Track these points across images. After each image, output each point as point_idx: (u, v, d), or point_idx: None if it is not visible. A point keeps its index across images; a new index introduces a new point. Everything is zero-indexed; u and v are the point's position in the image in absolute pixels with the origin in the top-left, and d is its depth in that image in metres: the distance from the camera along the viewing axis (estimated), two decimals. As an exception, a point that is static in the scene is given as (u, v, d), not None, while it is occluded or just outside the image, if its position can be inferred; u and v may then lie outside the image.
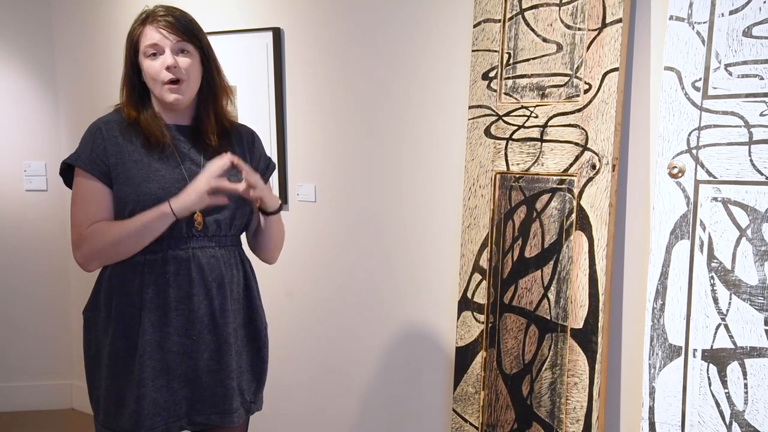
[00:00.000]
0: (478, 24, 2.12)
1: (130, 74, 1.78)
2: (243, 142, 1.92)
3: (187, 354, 1.77)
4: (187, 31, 1.75)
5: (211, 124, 1.83)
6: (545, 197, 2.00)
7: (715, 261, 1.69)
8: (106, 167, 1.72)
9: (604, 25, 1.88)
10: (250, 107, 2.77)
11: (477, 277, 2.13)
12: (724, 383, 1.68)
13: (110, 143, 1.73)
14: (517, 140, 2.05)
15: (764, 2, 1.62)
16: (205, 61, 1.80)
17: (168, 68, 1.72)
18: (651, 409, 1.77)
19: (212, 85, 1.83)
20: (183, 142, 1.81)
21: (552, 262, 1.99)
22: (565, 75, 1.96)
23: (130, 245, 1.72)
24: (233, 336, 1.84)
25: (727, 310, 1.67)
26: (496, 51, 2.09)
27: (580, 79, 1.93)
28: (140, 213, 1.71)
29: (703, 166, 1.71)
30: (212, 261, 1.80)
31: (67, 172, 1.81)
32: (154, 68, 1.73)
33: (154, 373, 1.74)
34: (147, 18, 1.75)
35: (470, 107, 2.14)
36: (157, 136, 1.76)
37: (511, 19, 2.07)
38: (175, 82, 1.73)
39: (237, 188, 1.72)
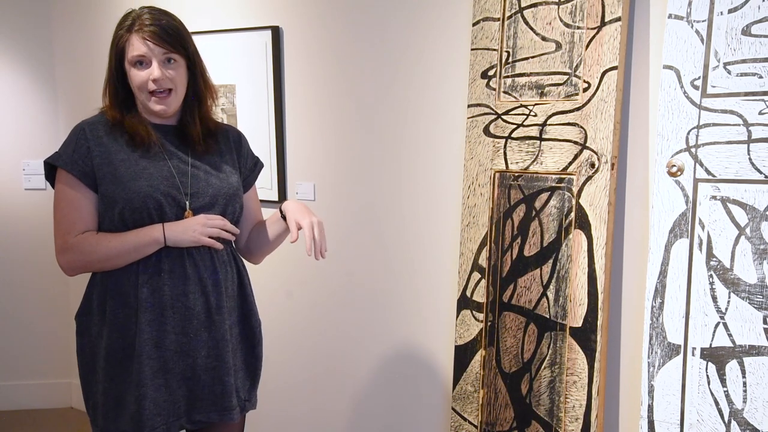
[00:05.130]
0: (477, 23, 2.12)
1: (114, 78, 1.77)
2: (230, 142, 1.94)
3: (184, 352, 1.76)
4: (173, 41, 1.73)
5: (197, 129, 1.83)
6: (544, 196, 2.00)
7: (714, 259, 1.69)
8: (88, 168, 1.70)
9: (603, 23, 1.88)
10: (249, 106, 2.77)
11: (476, 275, 2.13)
12: (723, 382, 1.68)
13: (94, 143, 1.72)
14: (516, 139, 2.05)
15: (763, 1, 1.62)
16: (192, 67, 1.80)
17: (155, 80, 1.71)
18: (650, 408, 1.77)
19: (197, 90, 1.83)
20: (169, 141, 1.81)
21: (551, 261, 1.99)
22: (564, 73, 1.96)
23: (118, 263, 1.73)
24: (229, 333, 1.84)
25: (726, 309, 1.67)
26: (495, 49, 2.09)
27: (579, 78, 1.93)
28: (132, 231, 1.71)
29: (702, 165, 1.71)
30: (206, 258, 1.80)
31: (52, 174, 1.79)
32: (141, 78, 1.72)
33: (153, 373, 1.73)
34: (133, 25, 1.72)
35: (469, 106, 2.14)
36: (143, 135, 1.75)
37: (510, 17, 2.07)
38: (161, 92, 1.74)
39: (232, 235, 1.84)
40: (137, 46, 1.71)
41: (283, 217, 1.87)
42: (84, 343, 1.80)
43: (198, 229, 1.74)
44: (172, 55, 1.74)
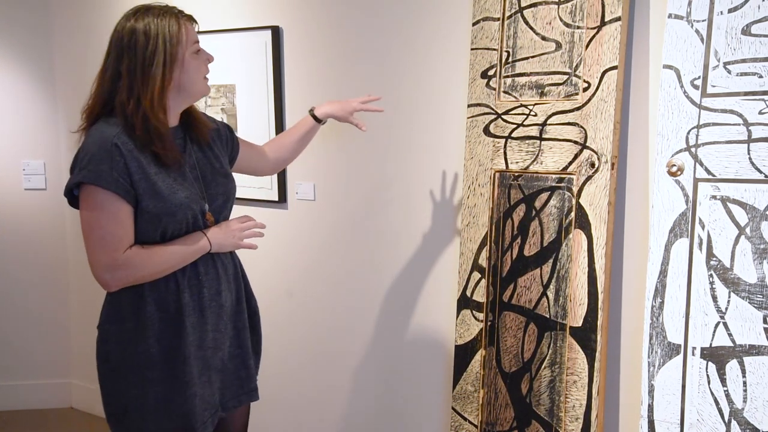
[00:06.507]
0: (477, 22, 2.12)
1: (158, 71, 1.66)
2: (213, 133, 1.92)
3: (217, 347, 1.84)
4: None
5: (201, 118, 1.86)
6: (544, 195, 2.00)
7: (714, 259, 1.69)
8: (128, 185, 1.64)
9: (603, 23, 1.88)
10: (249, 106, 2.77)
11: (476, 275, 2.13)
12: (723, 381, 1.68)
13: (129, 159, 1.63)
14: (516, 139, 2.05)
15: (763, 0, 1.62)
16: None
17: (210, 62, 1.79)
18: (650, 407, 1.77)
19: None
20: (180, 146, 1.78)
21: (551, 261, 1.99)
22: (564, 73, 1.96)
23: (165, 274, 1.73)
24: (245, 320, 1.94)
25: (726, 308, 1.67)
26: (495, 49, 2.09)
27: (579, 78, 1.93)
28: (177, 242, 1.73)
29: (702, 165, 1.71)
30: (227, 254, 1.89)
31: (71, 190, 1.70)
32: (199, 64, 1.75)
33: (199, 371, 1.79)
34: (176, 14, 1.70)
35: (469, 105, 2.14)
36: (170, 138, 1.71)
37: (510, 17, 2.07)
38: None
39: (259, 236, 1.89)
40: (193, 32, 1.74)
41: (317, 120, 2.14)
42: (109, 351, 1.75)
43: (237, 234, 1.82)
44: None
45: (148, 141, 1.66)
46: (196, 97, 1.78)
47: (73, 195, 1.69)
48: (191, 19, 1.75)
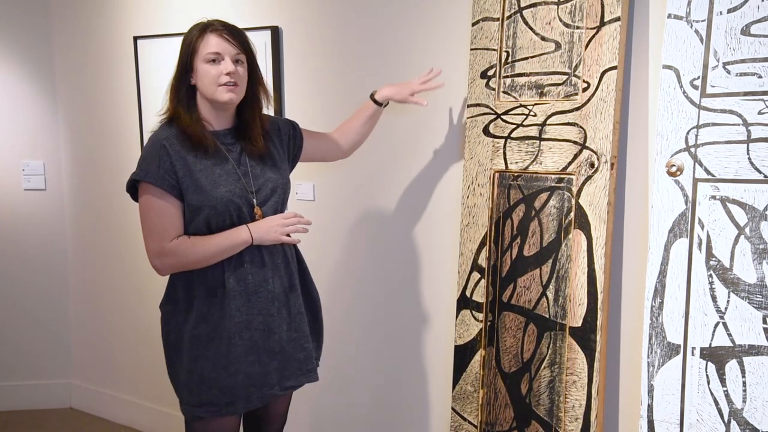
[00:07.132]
0: (477, 22, 2.12)
1: (184, 77, 1.91)
2: (273, 134, 2.08)
3: (270, 330, 1.96)
4: (244, 43, 1.93)
5: (257, 128, 1.99)
6: (544, 196, 2.00)
7: (714, 259, 1.69)
8: (174, 180, 1.86)
9: (603, 23, 1.88)
10: (249, 106, 2.77)
11: (476, 275, 2.14)
12: (723, 381, 1.68)
13: (176, 158, 1.86)
14: (516, 139, 2.05)
15: (762, 0, 1.63)
16: (252, 72, 1.96)
17: (228, 74, 1.87)
18: (650, 407, 1.78)
19: (257, 93, 2.00)
20: (229, 145, 1.95)
21: (551, 261, 1.99)
22: (564, 73, 1.96)
23: (210, 262, 1.91)
24: (302, 306, 2.06)
25: (726, 308, 1.67)
26: (494, 49, 2.09)
27: (579, 78, 1.93)
28: (221, 234, 1.89)
29: (701, 165, 1.71)
30: (277, 245, 1.99)
31: (133, 188, 1.94)
32: (214, 73, 1.87)
33: (245, 351, 1.93)
34: (207, 27, 1.89)
35: (469, 106, 2.14)
36: (200, 137, 1.88)
37: (509, 17, 2.07)
38: (231, 83, 1.89)
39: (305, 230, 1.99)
40: (214, 43, 1.87)
41: (378, 104, 2.20)
42: (169, 329, 1.99)
43: (279, 229, 1.93)
44: (240, 56, 1.91)
45: (187, 137, 1.87)
46: (215, 103, 1.91)
47: (135, 190, 1.93)
48: (219, 31, 1.88)
